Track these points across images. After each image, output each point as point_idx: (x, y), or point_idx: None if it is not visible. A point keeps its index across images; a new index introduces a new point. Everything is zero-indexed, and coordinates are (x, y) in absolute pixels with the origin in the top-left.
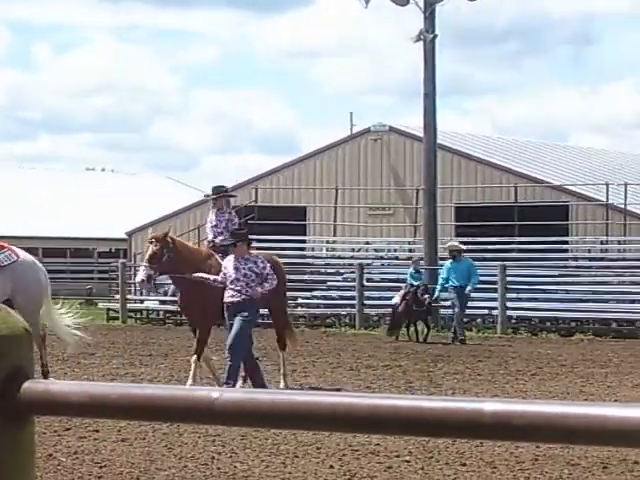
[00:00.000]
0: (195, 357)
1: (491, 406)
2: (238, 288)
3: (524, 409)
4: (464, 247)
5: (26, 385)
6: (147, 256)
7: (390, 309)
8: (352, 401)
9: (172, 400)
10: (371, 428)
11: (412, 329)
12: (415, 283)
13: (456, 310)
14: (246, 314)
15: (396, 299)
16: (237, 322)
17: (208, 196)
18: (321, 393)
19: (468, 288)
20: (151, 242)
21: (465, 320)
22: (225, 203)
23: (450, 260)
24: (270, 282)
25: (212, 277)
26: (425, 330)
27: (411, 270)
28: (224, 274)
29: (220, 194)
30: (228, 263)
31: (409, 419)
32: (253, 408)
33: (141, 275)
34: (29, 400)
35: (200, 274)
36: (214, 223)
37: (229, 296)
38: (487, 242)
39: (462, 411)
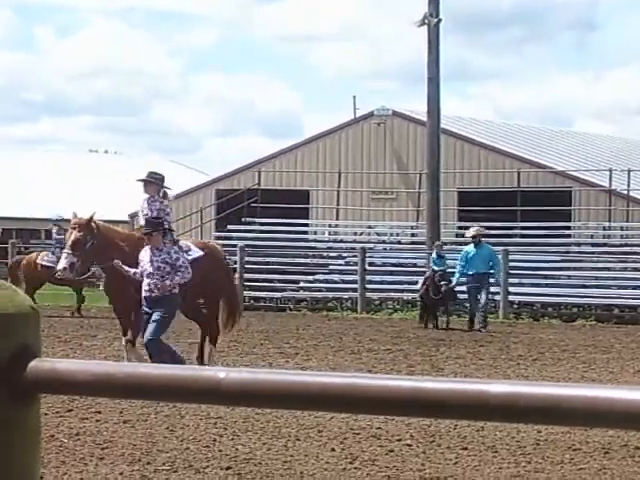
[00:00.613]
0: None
1: (497, 388)
2: (153, 282)
3: (530, 391)
4: (485, 231)
5: (32, 364)
6: (70, 243)
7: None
8: (356, 382)
9: (178, 380)
10: (376, 409)
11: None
12: (437, 269)
13: (482, 298)
14: (163, 309)
15: (419, 285)
16: (154, 318)
17: (140, 180)
18: (330, 374)
19: (496, 277)
20: (74, 228)
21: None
22: (157, 191)
23: (471, 246)
24: (182, 274)
25: (132, 270)
26: (445, 317)
27: (433, 255)
28: (142, 266)
29: (149, 180)
30: (144, 255)
31: (414, 400)
32: (260, 388)
33: (63, 263)
34: (35, 378)
35: (121, 265)
36: (145, 212)
37: (146, 290)
38: (490, 227)
39: (467, 393)
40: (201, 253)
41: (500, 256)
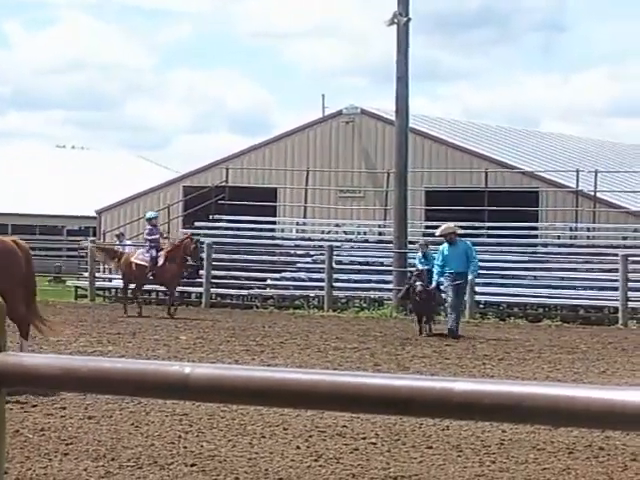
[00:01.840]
0: None
1: (461, 386)
2: None
3: (494, 389)
4: (459, 229)
5: None
6: None
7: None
8: (325, 379)
9: (143, 375)
10: (343, 405)
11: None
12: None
13: (449, 300)
14: None
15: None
16: None
17: None
18: (295, 370)
19: (469, 276)
20: None
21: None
22: None
23: (446, 244)
24: None
25: None
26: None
27: (419, 255)
28: None
29: None
30: None
31: (380, 397)
32: (226, 384)
33: None
34: (1, 372)
35: None
36: None
37: None
38: (457, 227)
39: (433, 390)
40: None
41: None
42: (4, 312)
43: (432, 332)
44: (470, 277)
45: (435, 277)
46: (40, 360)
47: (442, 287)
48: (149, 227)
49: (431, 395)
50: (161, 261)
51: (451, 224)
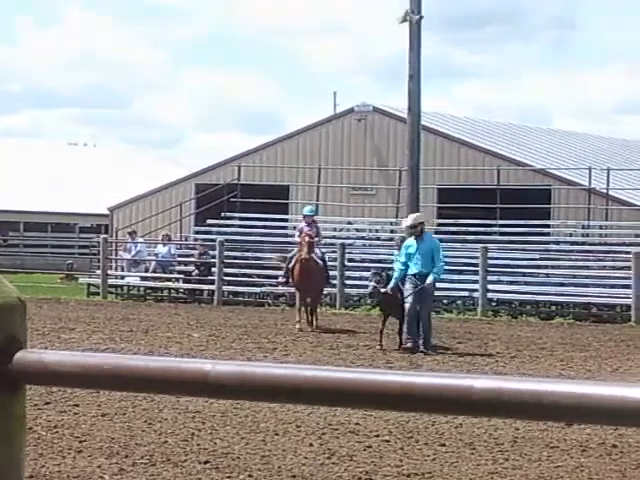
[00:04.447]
0: None
1: (482, 383)
2: None
3: (514, 387)
4: (426, 220)
5: (19, 355)
6: None
7: None
8: (343, 376)
9: (165, 372)
10: (362, 403)
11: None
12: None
13: (407, 307)
14: None
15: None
16: None
17: None
18: (313, 367)
19: (429, 279)
20: None
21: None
22: None
23: (412, 239)
24: None
25: None
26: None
27: (397, 255)
28: None
29: None
30: None
31: (400, 395)
32: (246, 381)
33: None
34: (22, 369)
35: None
36: None
37: None
38: (469, 224)
39: (453, 387)
40: None
41: (478, 253)
42: (25, 310)
43: (402, 345)
44: (430, 280)
45: (396, 275)
46: (61, 357)
47: (404, 291)
48: (302, 225)
49: (452, 392)
50: (291, 264)
51: (421, 214)
